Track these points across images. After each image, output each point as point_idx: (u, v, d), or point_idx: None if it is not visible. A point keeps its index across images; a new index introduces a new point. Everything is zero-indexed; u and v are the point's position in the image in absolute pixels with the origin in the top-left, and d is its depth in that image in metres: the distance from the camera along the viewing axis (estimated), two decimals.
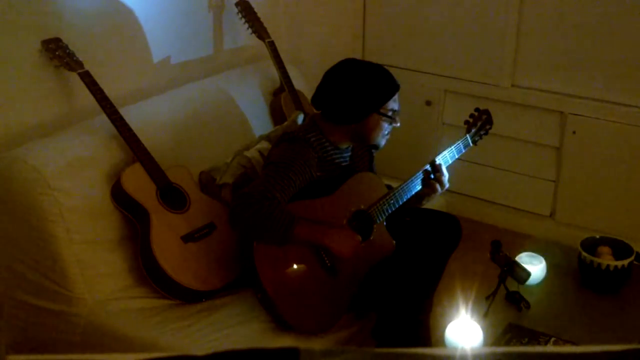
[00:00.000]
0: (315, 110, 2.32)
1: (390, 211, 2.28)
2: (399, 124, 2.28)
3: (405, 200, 2.32)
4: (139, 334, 2.11)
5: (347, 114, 2.21)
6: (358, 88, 2.21)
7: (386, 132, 2.28)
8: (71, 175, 2.18)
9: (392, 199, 2.28)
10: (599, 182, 3.22)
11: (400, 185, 2.32)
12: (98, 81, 2.27)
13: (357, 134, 2.26)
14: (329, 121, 2.25)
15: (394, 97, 2.24)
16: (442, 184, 2.34)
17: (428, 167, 2.36)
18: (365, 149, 2.42)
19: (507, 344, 2.09)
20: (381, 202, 2.26)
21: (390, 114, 2.24)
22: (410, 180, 2.34)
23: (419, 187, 2.36)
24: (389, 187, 2.37)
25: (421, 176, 2.35)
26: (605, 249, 2.44)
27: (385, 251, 2.26)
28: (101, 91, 2.26)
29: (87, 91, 2.26)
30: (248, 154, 2.52)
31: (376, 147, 2.34)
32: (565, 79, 3.22)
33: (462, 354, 0.74)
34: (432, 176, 2.34)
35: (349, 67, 2.25)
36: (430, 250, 2.25)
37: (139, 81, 2.73)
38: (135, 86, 2.69)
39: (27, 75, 2.32)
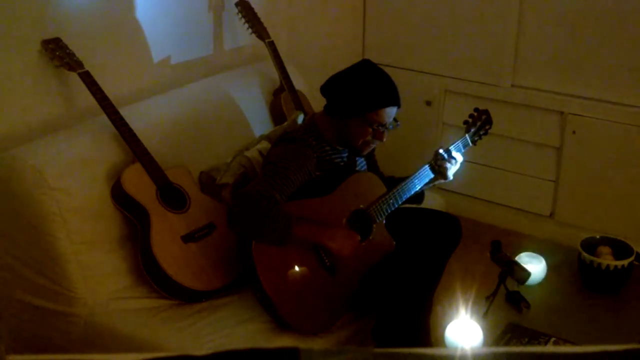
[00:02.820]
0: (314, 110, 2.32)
1: (389, 211, 2.28)
2: (383, 141, 2.24)
3: (404, 199, 2.33)
4: (139, 334, 2.11)
5: (337, 106, 2.22)
6: (353, 85, 2.21)
7: (368, 141, 2.24)
8: (71, 175, 2.18)
9: (391, 199, 2.28)
10: (599, 182, 3.22)
11: (399, 185, 2.32)
12: (98, 81, 2.27)
13: (340, 130, 2.24)
14: (325, 113, 2.25)
15: (385, 110, 2.19)
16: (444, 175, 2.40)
17: (427, 166, 2.38)
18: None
19: (507, 344, 2.09)
20: (380, 202, 2.26)
21: (375, 125, 2.20)
22: (409, 179, 2.34)
23: (418, 187, 2.36)
24: (391, 180, 2.36)
25: (420, 176, 2.36)
26: (605, 249, 2.44)
27: (385, 251, 2.26)
28: (101, 91, 2.26)
29: (87, 91, 2.26)
30: (248, 154, 2.52)
31: (356, 151, 2.32)
32: (565, 79, 3.22)
33: (462, 354, 0.74)
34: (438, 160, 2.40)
35: (360, 65, 2.27)
36: (430, 250, 2.25)
37: (139, 81, 2.72)
38: (135, 86, 2.69)
39: (27, 75, 2.32)
